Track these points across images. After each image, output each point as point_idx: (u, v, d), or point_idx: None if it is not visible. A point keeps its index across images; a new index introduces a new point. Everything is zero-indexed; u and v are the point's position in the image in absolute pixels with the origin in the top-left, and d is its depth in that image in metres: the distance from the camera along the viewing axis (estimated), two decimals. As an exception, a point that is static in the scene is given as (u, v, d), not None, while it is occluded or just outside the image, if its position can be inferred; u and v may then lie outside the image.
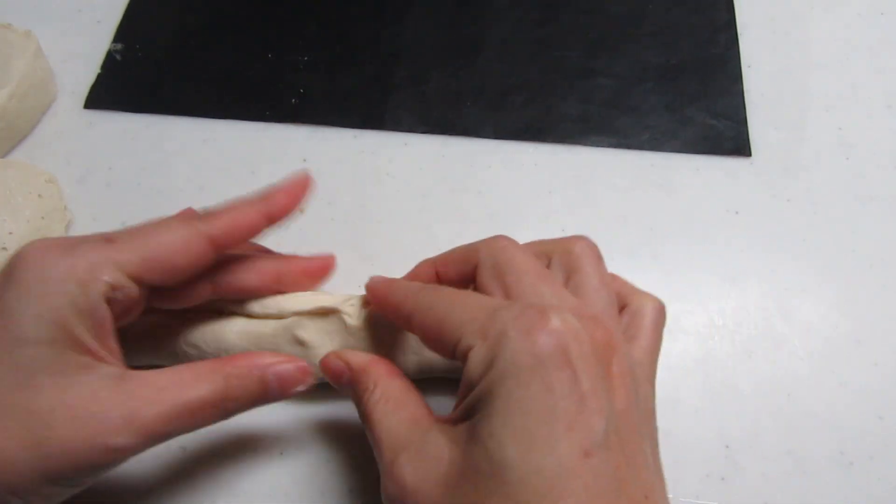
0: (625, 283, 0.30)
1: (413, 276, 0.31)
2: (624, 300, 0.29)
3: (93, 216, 0.40)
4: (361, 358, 0.28)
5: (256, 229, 0.30)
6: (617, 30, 0.46)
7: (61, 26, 0.47)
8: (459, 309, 0.25)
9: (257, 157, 0.42)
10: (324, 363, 0.29)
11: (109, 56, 0.45)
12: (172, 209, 0.40)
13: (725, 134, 0.41)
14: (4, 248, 0.35)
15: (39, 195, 0.38)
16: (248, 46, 0.45)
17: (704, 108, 0.42)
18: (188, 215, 0.29)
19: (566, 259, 0.28)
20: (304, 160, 0.41)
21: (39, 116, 0.43)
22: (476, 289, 0.27)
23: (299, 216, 0.39)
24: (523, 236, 0.38)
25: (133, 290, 0.26)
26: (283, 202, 0.30)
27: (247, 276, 0.31)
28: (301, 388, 0.28)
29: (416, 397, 0.27)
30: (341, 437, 0.33)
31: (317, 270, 0.33)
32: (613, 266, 0.38)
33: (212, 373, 0.26)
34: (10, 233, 0.36)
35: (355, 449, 0.33)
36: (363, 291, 0.37)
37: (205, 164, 0.41)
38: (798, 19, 0.46)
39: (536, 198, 0.40)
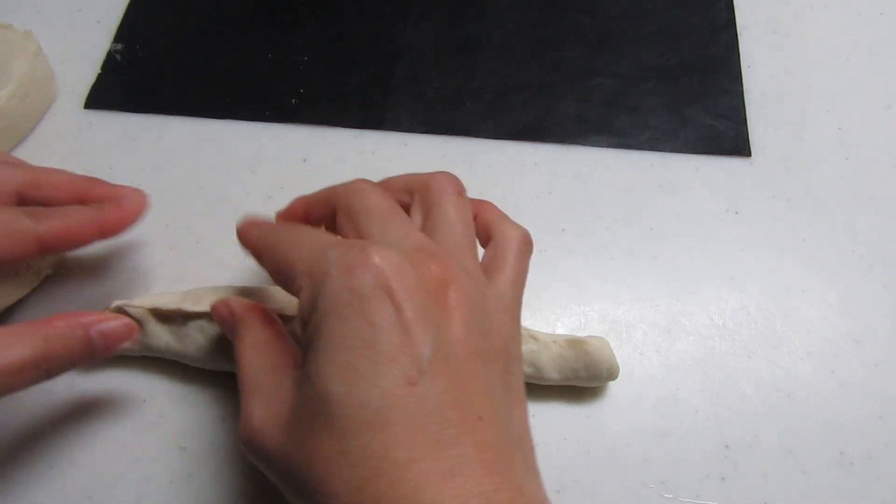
0: (493, 215, 0.30)
1: (285, 213, 0.32)
2: (490, 232, 0.29)
3: (93, 216, 0.40)
4: (241, 305, 0.29)
5: (87, 241, 0.31)
6: (617, 30, 0.46)
7: (61, 26, 0.47)
8: (297, 248, 0.26)
9: (257, 157, 0.42)
10: (213, 309, 0.30)
11: (109, 56, 0.45)
12: (172, 209, 0.40)
13: (725, 134, 0.41)
14: (4, 248, 0.35)
15: (39, 195, 0.38)
16: (248, 46, 0.45)
17: (704, 108, 0.42)
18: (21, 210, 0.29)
19: (425, 195, 0.28)
20: (304, 160, 0.41)
21: (39, 116, 0.43)
22: (336, 231, 0.28)
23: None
24: (523, 236, 0.38)
25: None
26: (116, 221, 0.32)
27: (68, 227, 0.31)
28: (128, 344, 0.29)
29: (283, 345, 0.27)
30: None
31: (129, 215, 0.33)
32: (613, 266, 0.38)
33: (31, 333, 0.26)
34: (10, 233, 0.35)
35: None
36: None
37: (205, 164, 0.41)
38: (798, 19, 0.46)
39: (536, 198, 0.40)
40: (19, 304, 0.36)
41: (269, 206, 0.40)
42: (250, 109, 0.43)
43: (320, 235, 0.27)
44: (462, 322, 0.23)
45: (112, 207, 0.32)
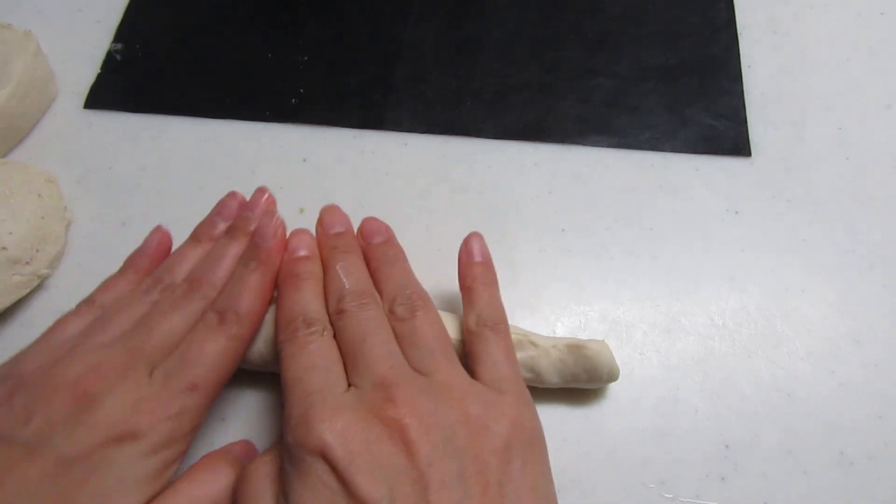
0: (476, 285, 0.32)
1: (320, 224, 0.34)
2: (468, 305, 0.31)
3: (93, 216, 0.40)
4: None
5: (269, 303, 0.32)
6: (617, 30, 0.46)
7: (61, 26, 0.47)
8: (295, 360, 0.28)
9: (257, 157, 0.42)
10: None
11: (109, 56, 0.45)
12: (172, 209, 0.40)
13: (725, 134, 0.41)
14: (4, 248, 0.35)
15: (39, 195, 0.38)
16: (248, 46, 0.45)
17: (704, 108, 0.42)
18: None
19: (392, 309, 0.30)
20: (304, 160, 0.41)
21: (39, 116, 0.43)
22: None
23: (299, 216, 0.39)
24: (523, 236, 0.39)
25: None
26: (278, 259, 0.32)
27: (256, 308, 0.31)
28: None
29: None
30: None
31: (281, 242, 0.33)
32: (613, 266, 0.38)
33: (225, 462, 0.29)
34: (10, 233, 0.36)
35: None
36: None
37: (205, 164, 0.41)
38: (798, 19, 0.46)
39: (536, 198, 0.40)
40: (19, 304, 0.37)
41: (269, 206, 0.40)
42: (250, 109, 0.43)
43: (310, 372, 0.27)
44: (426, 456, 0.24)
45: (269, 253, 0.31)
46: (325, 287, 0.31)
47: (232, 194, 0.35)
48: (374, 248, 0.33)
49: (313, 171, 0.41)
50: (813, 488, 0.32)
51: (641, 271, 0.38)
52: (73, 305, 0.37)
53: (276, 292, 0.32)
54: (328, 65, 0.45)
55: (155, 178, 0.41)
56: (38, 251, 0.36)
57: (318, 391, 0.26)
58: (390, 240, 0.33)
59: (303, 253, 0.32)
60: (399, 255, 0.33)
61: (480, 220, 0.39)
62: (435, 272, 0.35)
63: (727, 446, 0.33)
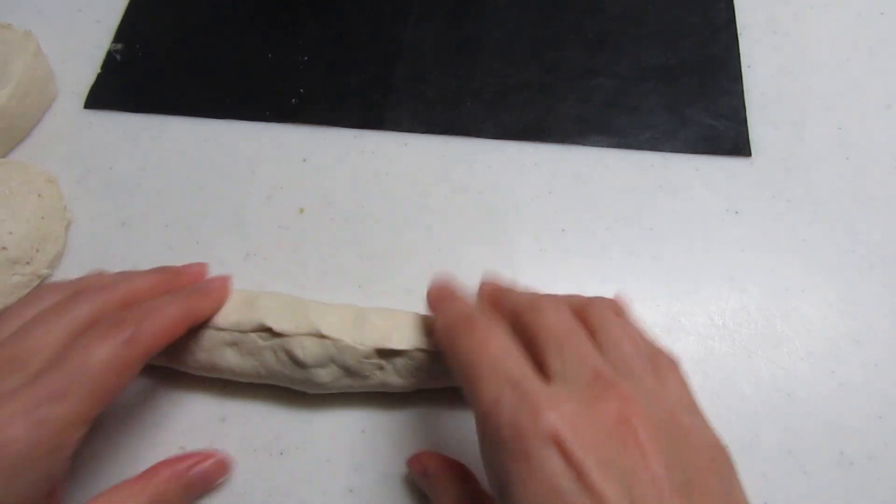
0: (601, 318, 0.29)
1: (481, 295, 0.32)
2: (598, 336, 0.29)
3: (93, 216, 0.40)
4: (436, 464, 0.31)
5: (180, 332, 0.30)
6: (617, 30, 0.46)
7: (61, 26, 0.47)
8: (478, 365, 0.25)
9: (257, 157, 0.42)
10: (408, 463, 0.32)
11: (109, 56, 0.45)
12: (172, 209, 0.40)
13: (725, 134, 0.41)
14: (4, 248, 0.35)
15: (39, 195, 0.38)
16: (248, 46, 0.45)
17: (704, 108, 0.42)
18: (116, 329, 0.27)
19: (587, 318, 0.28)
20: (304, 160, 0.41)
21: (39, 116, 0.43)
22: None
23: (299, 216, 0.39)
24: (523, 236, 0.39)
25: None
26: (208, 310, 0.32)
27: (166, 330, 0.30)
28: (221, 480, 0.32)
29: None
30: (341, 437, 0.33)
31: (218, 301, 0.32)
32: (613, 266, 0.38)
33: (140, 490, 0.29)
34: (11, 233, 0.36)
35: (355, 449, 0.33)
36: (363, 290, 0.37)
37: (205, 164, 0.41)
38: (798, 19, 0.46)
39: (536, 198, 0.40)
40: (19, 304, 0.37)
41: (269, 205, 0.40)
42: (250, 109, 0.43)
43: (503, 358, 0.25)
44: (657, 457, 0.22)
45: (201, 297, 0.31)
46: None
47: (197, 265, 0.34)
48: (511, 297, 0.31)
49: (313, 171, 0.41)
50: (813, 488, 0.32)
51: (641, 271, 0.38)
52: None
53: None
54: (328, 65, 0.45)
55: (155, 178, 0.41)
56: (37, 251, 0.36)
57: (521, 378, 0.24)
58: (497, 285, 0.32)
59: (446, 279, 0.31)
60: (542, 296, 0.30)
61: (480, 220, 0.39)
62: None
63: (727, 446, 0.33)
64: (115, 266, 0.38)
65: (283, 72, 0.44)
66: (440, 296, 0.30)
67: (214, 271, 0.37)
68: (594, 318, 0.27)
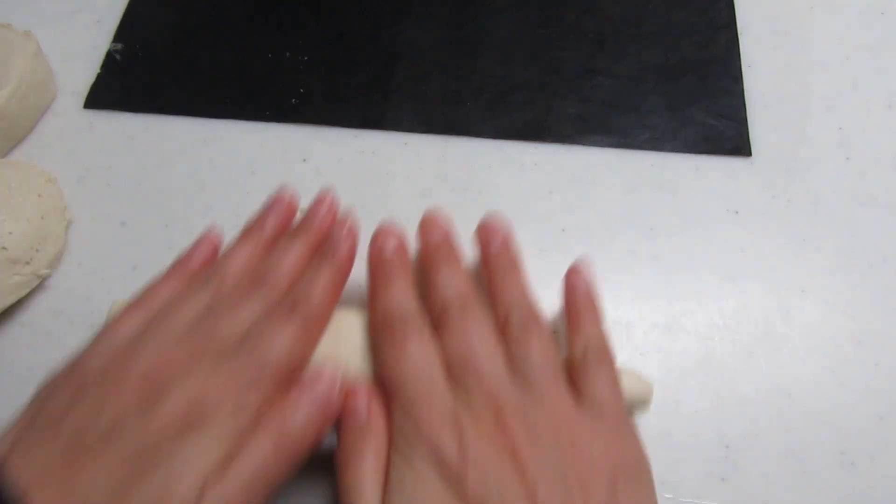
0: (584, 314, 0.32)
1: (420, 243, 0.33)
2: (572, 331, 0.31)
3: (93, 216, 0.40)
4: (377, 411, 0.29)
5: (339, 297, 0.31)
6: (617, 30, 0.46)
7: (61, 26, 0.47)
8: (398, 373, 0.27)
9: (257, 157, 0.42)
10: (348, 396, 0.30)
11: (109, 56, 0.45)
12: (172, 209, 0.40)
13: (725, 134, 0.41)
14: (4, 248, 0.35)
15: (39, 195, 0.38)
16: (248, 46, 0.45)
17: (704, 108, 0.42)
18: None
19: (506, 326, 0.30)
20: (304, 160, 0.41)
21: (39, 116, 0.43)
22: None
23: (299, 216, 0.39)
24: (523, 236, 0.38)
25: None
26: (348, 258, 0.31)
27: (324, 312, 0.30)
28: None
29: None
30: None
31: (353, 247, 0.32)
32: (613, 266, 0.38)
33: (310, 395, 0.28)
34: (10, 233, 0.36)
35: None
36: (363, 290, 0.37)
37: (205, 164, 0.41)
38: (798, 19, 0.46)
39: (536, 198, 0.40)
40: (19, 304, 0.37)
41: (268, 206, 0.40)
42: (250, 109, 0.43)
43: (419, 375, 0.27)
44: (534, 475, 0.24)
45: (340, 253, 0.31)
46: (426, 297, 0.30)
47: (282, 190, 0.34)
48: (490, 254, 0.32)
49: (313, 171, 0.41)
50: (813, 488, 0.32)
51: (641, 271, 0.38)
52: (73, 305, 0.37)
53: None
54: (328, 65, 0.45)
55: (155, 178, 0.41)
56: (37, 251, 0.36)
57: (425, 394, 0.26)
58: (506, 244, 0.32)
59: (392, 244, 0.31)
60: (514, 263, 0.32)
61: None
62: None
63: (727, 446, 0.33)
64: (115, 266, 0.38)
65: (283, 72, 0.44)
66: (378, 271, 0.30)
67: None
68: (512, 330, 0.29)
